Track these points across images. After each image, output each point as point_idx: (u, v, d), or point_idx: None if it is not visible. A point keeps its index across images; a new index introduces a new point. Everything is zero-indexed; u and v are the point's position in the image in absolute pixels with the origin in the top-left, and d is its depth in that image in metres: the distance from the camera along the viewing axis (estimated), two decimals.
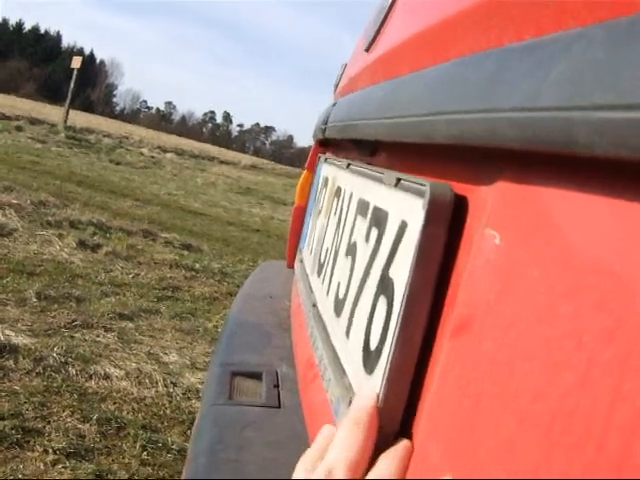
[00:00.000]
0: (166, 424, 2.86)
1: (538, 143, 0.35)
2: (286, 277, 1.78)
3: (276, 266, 2.11)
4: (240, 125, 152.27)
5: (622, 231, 0.31)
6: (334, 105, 1.22)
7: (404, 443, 0.51)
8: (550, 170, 0.39)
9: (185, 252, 6.34)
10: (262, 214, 11.67)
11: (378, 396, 0.54)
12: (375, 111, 0.72)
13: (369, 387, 0.57)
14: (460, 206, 0.51)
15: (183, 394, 3.15)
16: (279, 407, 1.00)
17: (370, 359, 0.60)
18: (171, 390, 3.16)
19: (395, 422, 0.53)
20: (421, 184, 0.55)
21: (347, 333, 0.73)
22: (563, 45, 0.34)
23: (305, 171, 1.85)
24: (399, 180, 0.62)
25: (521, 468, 0.35)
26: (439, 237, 0.51)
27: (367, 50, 1.05)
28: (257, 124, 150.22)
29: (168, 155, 21.38)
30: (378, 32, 1.02)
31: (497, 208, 0.45)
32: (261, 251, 7.54)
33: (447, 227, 0.51)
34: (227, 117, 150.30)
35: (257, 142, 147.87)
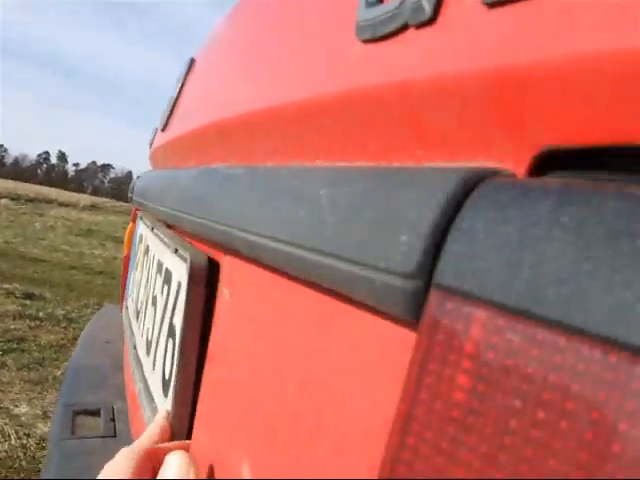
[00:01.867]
0: (23, 475, 2.83)
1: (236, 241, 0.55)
2: (121, 321, 1.91)
3: (114, 310, 2.22)
4: (76, 164, 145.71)
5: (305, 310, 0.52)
6: (138, 178, 1.39)
7: (187, 441, 0.69)
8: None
9: (28, 301, 6.12)
10: (105, 255, 11.37)
11: (169, 411, 0.72)
12: (157, 196, 0.91)
13: (165, 405, 0.75)
14: (212, 270, 0.71)
15: (37, 444, 3.12)
16: (115, 436, 1.15)
17: (166, 385, 0.78)
18: (25, 442, 3.12)
19: (183, 426, 0.71)
20: (185, 253, 0.74)
21: (153, 367, 0.90)
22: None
23: (131, 223, 1.99)
24: (176, 249, 0.81)
25: (265, 451, 0.55)
26: (199, 293, 0.71)
27: (162, 130, 1.22)
28: (94, 162, 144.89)
29: (3, 201, 20.15)
30: (169, 116, 1.19)
31: (228, 273, 0.66)
32: (106, 293, 7.41)
33: (204, 285, 0.71)
34: (62, 157, 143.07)
35: (95, 181, 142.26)
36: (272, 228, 0.45)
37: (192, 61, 1.13)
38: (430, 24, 0.36)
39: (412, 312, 0.32)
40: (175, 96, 1.18)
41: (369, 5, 0.40)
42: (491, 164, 0.33)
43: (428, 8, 0.35)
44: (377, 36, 0.40)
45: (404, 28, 0.37)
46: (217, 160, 0.76)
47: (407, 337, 0.33)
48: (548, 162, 0.30)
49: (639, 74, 0.24)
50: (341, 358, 0.42)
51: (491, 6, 0.32)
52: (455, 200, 0.30)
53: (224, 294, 0.65)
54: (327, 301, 0.42)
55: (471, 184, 0.30)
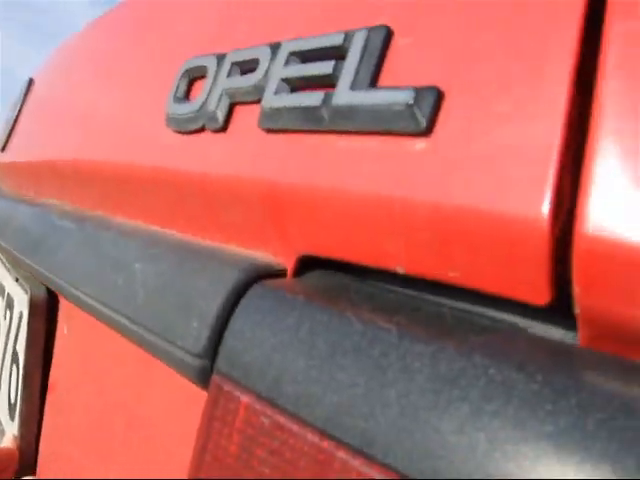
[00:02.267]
0: None
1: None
2: None
3: None
4: None
5: None
6: None
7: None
8: None
9: None
10: None
11: (16, 435, 0.75)
12: None
13: (11, 429, 0.78)
14: (52, 304, 0.74)
15: None
16: None
17: (12, 410, 0.80)
18: None
19: (30, 449, 0.75)
20: (26, 284, 0.76)
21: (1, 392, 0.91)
22: None
23: None
24: (17, 279, 0.83)
25: (103, 470, 0.59)
26: (39, 325, 0.74)
27: (2, 149, 1.15)
28: None
29: None
30: (9, 135, 1.14)
31: (65, 309, 0.69)
32: None
33: (44, 318, 0.74)
34: None
35: None
36: (96, 290, 0.50)
37: (30, 81, 1.12)
38: (222, 132, 0.42)
39: (202, 381, 0.38)
40: (14, 116, 1.14)
41: (176, 100, 0.46)
42: (270, 256, 0.40)
43: (221, 119, 0.41)
44: (181, 130, 0.45)
45: (202, 130, 0.43)
46: (51, 196, 0.78)
47: (201, 394, 0.40)
48: (307, 264, 0.38)
49: (367, 213, 0.32)
50: (155, 399, 0.48)
51: (267, 131, 0.38)
52: (234, 298, 0.37)
53: (62, 328, 0.69)
54: (144, 354, 0.48)
55: (247, 284, 0.37)
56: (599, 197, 0.24)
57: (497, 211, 0.27)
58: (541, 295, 0.26)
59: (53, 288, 0.64)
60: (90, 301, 0.50)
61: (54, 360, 0.71)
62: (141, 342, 0.43)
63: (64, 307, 0.70)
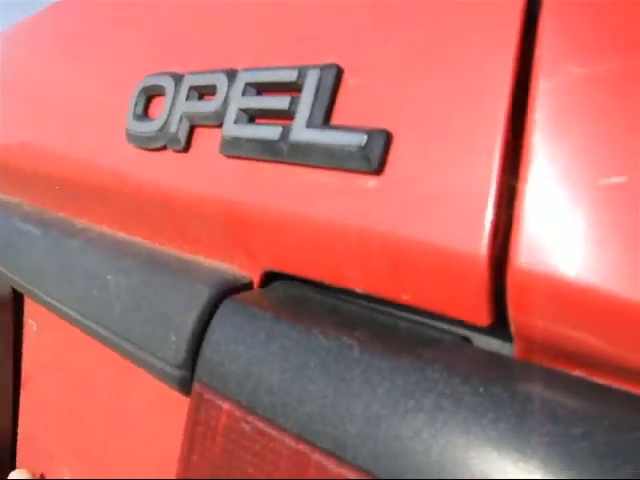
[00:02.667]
0: None
1: None
2: None
3: None
4: None
5: None
6: None
7: None
8: None
9: None
10: None
11: None
12: None
13: None
14: (18, 302, 0.76)
15: None
16: None
17: None
18: None
19: (6, 444, 0.77)
20: None
21: None
22: None
23: None
24: None
25: (80, 461, 0.63)
26: (6, 317, 0.75)
27: None
28: None
29: None
30: None
31: (32, 307, 0.71)
32: None
33: (11, 315, 0.75)
34: None
35: None
36: (71, 299, 0.52)
37: None
38: (184, 152, 0.44)
39: (184, 390, 0.42)
40: None
41: (136, 118, 0.48)
42: (237, 269, 0.43)
43: (183, 141, 0.44)
44: (142, 147, 0.48)
45: (164, 148, 0.46)
46: (11, 194, 0.79)
47: (183, 400, 0.43)
48: (272, 277, 0.41)
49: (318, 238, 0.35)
50: (131, 392, 0.52)
51: (228, 156, 0.41)
52: (208, 312, 0.40)
53: (30, 325, 0.71)
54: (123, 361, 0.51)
55: (219, 300, 0.40)
56: (529, 234, 0.28)
57: (441, 244, 0.31)
58: (482, 317, 0.31)
59: (22, 291, 0.66)
60: (64, 308, 0.53)
61: (25, 355, 0.73)
62: (121, 351, 0.46)
63: (31, 305, 0.72)
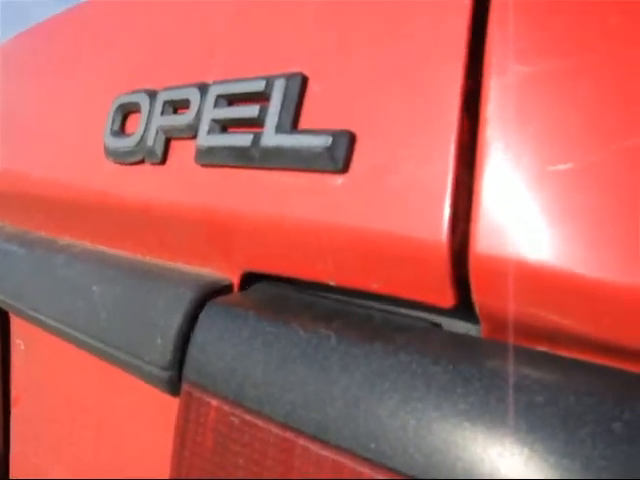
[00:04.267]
0: None
1: None
2: None
3: None
4: None
5: None
6: None
7: None
8: None
9: None
10: None
11: None
12: None
13: None
14: (3, 321, 0.77)
15: None
16: None
17: None
18: None
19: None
20: None
21: None
22: None
23: None
24: None
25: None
26: None
27: None
28: None
29: None
30: None
31: (19, 326, 0.72)
32: None
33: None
34: None
35: None
36: (57, 312, 0.54)
37: None
38: (161, 165, 0.46)
39: (173, 390, 0.44)
40: None
41: (113, 134, 0.50)
42: (217, 272, 0.45)
43: (159, 154, 0.46)
44: (121, 161, 0.49)
45: (142, 162, 0.47)
46: None
47: (172, 401, 0.45)
48: (251, 279, 0.43)
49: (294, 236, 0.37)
50: (121, 404, 0.53)
51: (204, 165, 0.43)
52: (192, 315, 0.42)
53: (19, 344, 0.72)
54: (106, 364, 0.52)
55: (202, 302, 0.42)
56: (487, 222, 0.31)
57: (406, 234, 0.33)
58: (447, 299, 0.33)
59: (8, 310, 0.67)
60: (52, 322, 0.54)
61: (14, 374, 0.74)
62: (109, 359, 0.48)
63: (18, 324, 0.73)
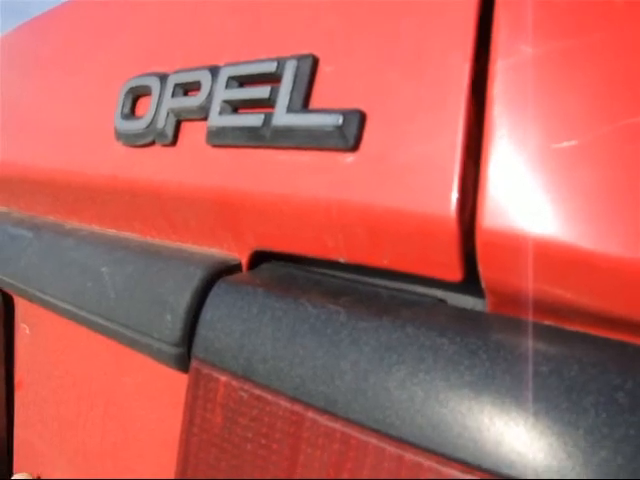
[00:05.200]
0: None
1: None
2: None
3: None
4: None
5: None
6: None
7: None
8: None
9: None
10: None
11: None
12: None
13: None
14: (8, 306, 0.77)
15: None
16: None
17: None
18: None
19: (2, 446, 0.79)
20: None
21: None
22: None
23: None
24: None
25: (79, 460, 0.64)
26: None
27: None
28: None
29: None
30: None
31: (24, 310, 0.73)
32: None
33: (2, 320, 0.77)
34: None
35: None
36: (66, 294, 0.55)
37: None
38: (172, 146, 0.47)
39: (182, 367, 0.44)
40: None
41: (124, 117, 0.50)
42: (226, 252, 0.46)
43: (170, 135, 0.46)
44: (132, 144, 0.50)
45: (152, 144, 0.48)
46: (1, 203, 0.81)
47: (182, 378, 0.46)
48: (260, 258, 0.44)
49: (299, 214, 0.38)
50: (130, 385, 0.54)
51: (214, 146, 0.44)
52: (202, 293, 0.43)
53: (23, 328, 0.72)
54: (114, 345, 0.53)
55: (211, 280, 0.43)
56: (494, 198, 0.32)
57: (416, 210, 0.34)
58: (455, 274, 0.34)
59: (17, 294, 0.68)
60: (61, 304, 0.55)
61: (17, 359, 0.75)
62: (118, 337, 0.49)
63: (23, 308, 0.74)
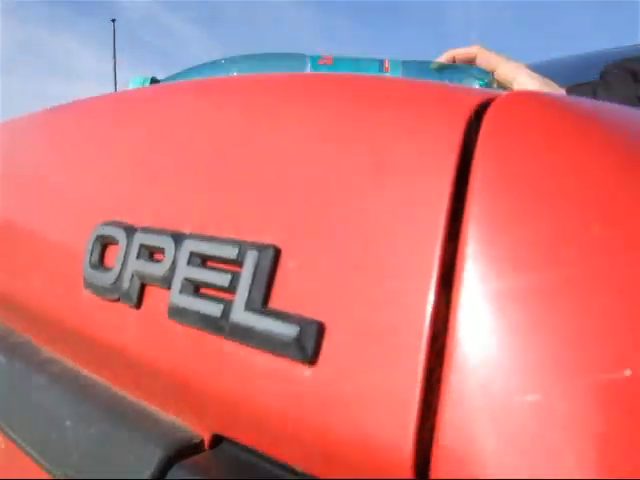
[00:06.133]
0: None
1: None
2: None
3: None
4: None
5: None
6: None
7: None
8: None
9: None
10: None
11: None
12: None
13: None
14: None
15: None
16: None
17: None
18: None
19: None
20: None
21: None
22: None
23: None
24: None
25: None
26: None
27: None
28: None
29: None
30: None
31: None
32: None
33: None
34: None
35: None
36: (30, 437, 0.53)
37: None
38: (136, 308, 0.45)
39: None
40: None
41: (92, 267, 0.49)
42: (188, 425, 0.44)
43: (134, 298, 0.45)
44: (99, 295, 0.49)
45: (118, 300, 0.47)
46: None
47: None
48: (219, 438, 0.42)
49: None
50: None
51: (177, 322, 0.42)
52: (159, 476, 0.41)
53: None
54: None
55: (169, 462, 0.41)
56: (451, 446, 0.29)
57: (371, 441, 0.32)
58: None
59: None
60: (25, 446, 0.53)
61: None
62: None
63: None
